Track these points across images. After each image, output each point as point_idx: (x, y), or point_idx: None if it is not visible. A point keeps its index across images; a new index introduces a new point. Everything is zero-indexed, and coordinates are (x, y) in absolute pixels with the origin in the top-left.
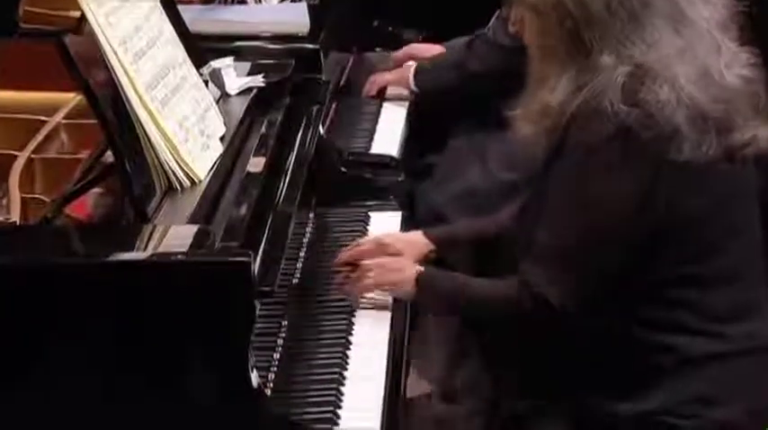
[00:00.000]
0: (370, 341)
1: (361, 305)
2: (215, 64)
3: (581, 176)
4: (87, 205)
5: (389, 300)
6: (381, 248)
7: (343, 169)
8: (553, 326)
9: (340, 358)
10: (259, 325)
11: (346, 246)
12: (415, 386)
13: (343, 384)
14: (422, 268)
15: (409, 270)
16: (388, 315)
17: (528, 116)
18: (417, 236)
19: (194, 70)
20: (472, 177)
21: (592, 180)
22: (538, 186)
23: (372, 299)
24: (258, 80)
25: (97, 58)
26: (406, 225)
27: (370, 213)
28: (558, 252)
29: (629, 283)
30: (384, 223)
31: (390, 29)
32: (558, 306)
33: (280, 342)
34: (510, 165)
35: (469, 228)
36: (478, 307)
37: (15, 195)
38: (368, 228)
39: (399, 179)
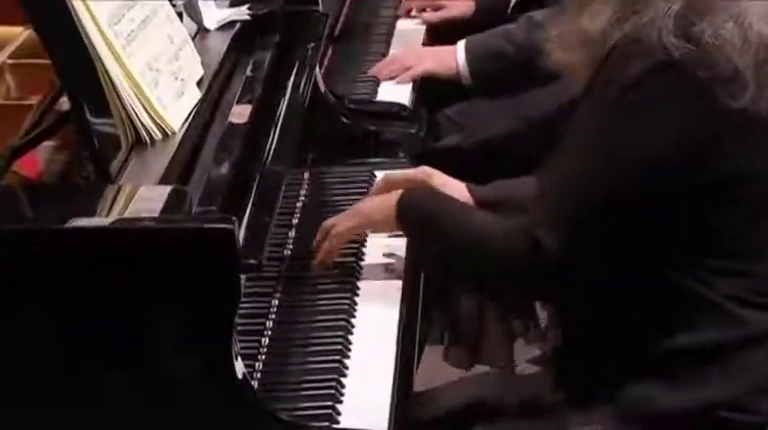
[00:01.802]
0: (376, 322)
1: (363, 274)
2: None
3: (609, 113)
4: (38, 161)
5: (401, 266)
6: (412, 182)
7: (344, 120)
8: (546, 281)
9: (341, 344)
10: (244, 305)
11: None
12: (433, 374)
13: (344, 375)
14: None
15: (385, 199)
16: (397, 288)
17: (564, 41)
18: (460, 185)
19: (166, 0)
20: (506, 128)
21: (621, 118)
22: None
23: (378, 265)
24: (242, 12)
25: None
26: None
27: (376, 172)
28: (565, 195)
29: (661, 248)
30: None
31: None
32: (551, 253)
33: (269, 325)
34: (547, 115)
35: (522, 190)
36: (462, 235)
37: None
38: (373, 188)
39: (411, 131)
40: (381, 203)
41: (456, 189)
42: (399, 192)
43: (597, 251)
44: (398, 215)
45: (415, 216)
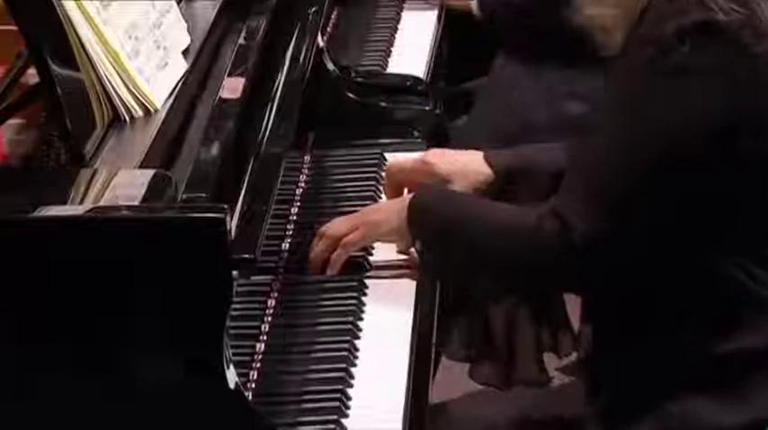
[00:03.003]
0: (387, 325)
1: (372, 271)
2: None
3: (646, 79)
4: (1, 141)
5: (414, 262)
6: (419, 170)
7: (350, 95)
8: (578, 269)
9: (347, 350)
10: (238, 305)
11: (353, 198)
12: (452, 385)
13: (350, 385)
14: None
15: (394, 204)
16: (411, 286)
17: None
18: (473, 158)
19: None
20: (527, 109)
21: (660, 85)
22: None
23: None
24: None
25: None
26: None
27: (386, 154)
28: (599, 172)
29: (709, 233)
30: None
31: None
32: (583, 238)
33: (265, 328)
34: (581, 92)
35: (552, 157)
36: (487, 234)
37: None
38: (383, 174)
39: (427, 109)
40: (390, 211)
41: (470, 164)
42: (407, 198)
43: (636, 236)
44: (411, 224)
45: (431, 223)
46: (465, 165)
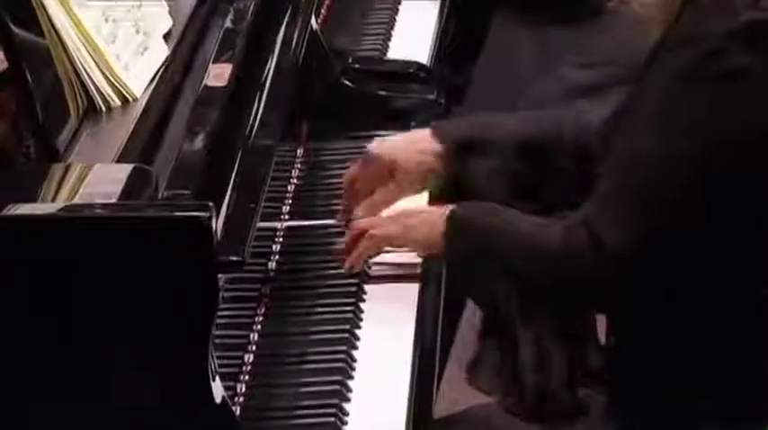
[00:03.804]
0: (387, 333)
1: (371, 274)
2: None
3: (689, 83)
4: None
5: (416, 264)
6: (367, 169)
7: (346, 83)
8: (608, 290)
9: (343, 361)
10: (224, 313)
11: None
12: (457, 396)
13: (347, 399)
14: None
15: (429, 214)
16: (413, 291)
17: None
18: (417, 135)
19: None
20: (530, 78)
21: (704, 93)
22: (634, 92)
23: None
24: None
25: None
26: None
27: None
28: (634, 182)
29: (756, 257)
30: None
31: None
32: (615, 254)
33: (254, 337)
34: (587, 59)
35: (509, 128)
36: (514, 247)
37: None
38: None
39: (430, 98)
40: (424, 220)
41: (414, 143)
42: (445, 209)
43: (674, 251)
44: (446, 237)
45: (466, 238)
46: (408, 144)
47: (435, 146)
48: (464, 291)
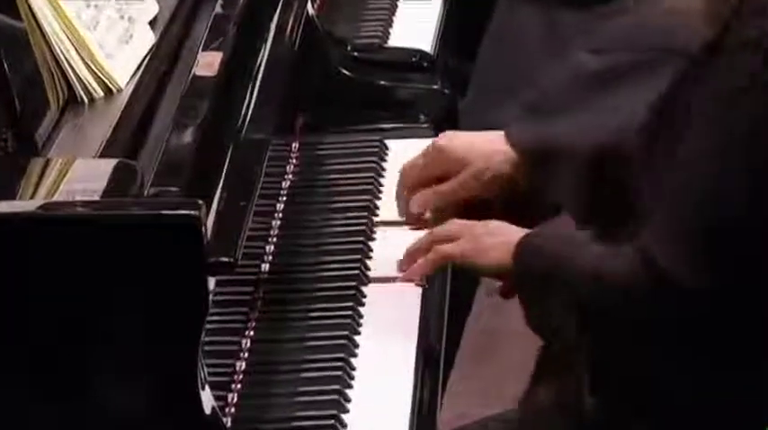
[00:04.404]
0: (388, 340)
1: (371, 276)
2: None
3: (754, 95)
4: None
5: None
6: (434, 162)
7: (345, 72)
8: (672, 328)
9: (341, 369)
10: (215, 317)
11: (350, 193)
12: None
13: (345, 409)
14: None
15: (504, 231)
16: (416, 296)
17: None
18: (492, 137)
19: None
20: (538, 64)
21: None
22: (672, 96)
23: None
24: None
25: None
26: None
27: (387, 141)
28: (696, 207)
29: None
30: (409, 156)
31: None
32: (679, 288)
33: (246, 344)
34: (600, 44)
35: (590, 137)
36: (580, 279)
37: None
38: (383, 164)
39: (434, 88)
40: (504, 242)
41: (489, 143)
42: (520, 231)
43: (744, 289)
44: (516, 264)
45: (534, 268)
46: (483, 144)
47: (509, 149)
48: (527, 320)
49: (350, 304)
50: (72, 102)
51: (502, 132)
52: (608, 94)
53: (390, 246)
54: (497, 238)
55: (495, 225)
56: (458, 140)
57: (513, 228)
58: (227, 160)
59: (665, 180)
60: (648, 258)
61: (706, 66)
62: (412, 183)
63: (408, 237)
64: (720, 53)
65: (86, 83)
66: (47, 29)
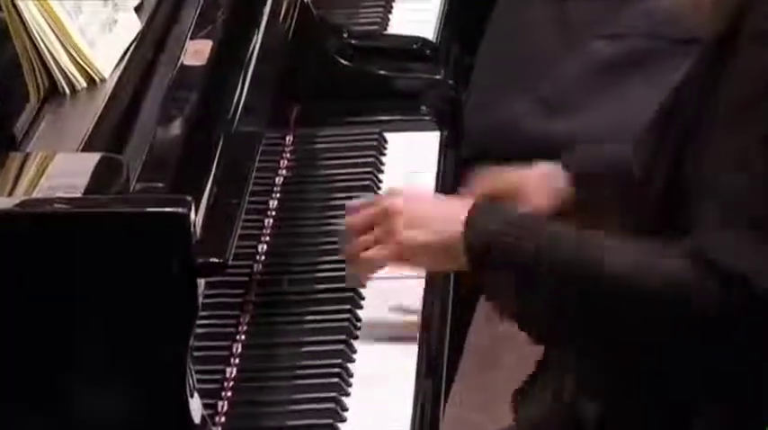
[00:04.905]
0: (387, 343)
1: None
2: None
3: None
4: None
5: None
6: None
7: (342, 61)
8: (755, 328)
9: (337, 376)
10: (204, 321)
11: (347, 189)
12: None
13: (342, 419)
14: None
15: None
16: (417, 297)
17: None
18: (546, 170)
19: None
20: (546, 52)
21: None
22: (692, 85)
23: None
24: None
25: None
26: (451, 156)
27: (386, 134)
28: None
29: None
30: (409, 150)
31: None
32: (759, 296)
33: (237, 349)
34: (616, 29)
35: (616, 155)
36: (611, 294)
37: None
38: (383, 158)
39: (437, 78)
40: (439, 239)
41: (538, 174)
42: (448, 218)
43: None
44: (478, 259)
45: (500, 259)
46: (535, 175)
47: (560, 180)
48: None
49: (347, 307)
50: (53, 93)
51: (550, 166)
52: (622, 84)
53: None
54: (428, 235)
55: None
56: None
57: (434, 210)
58: (218, 154)
59: (704, 180)
60: (706, 260)
61: (720, 58)
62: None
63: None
64: (734, 45)
65: (68, 72)
66: (26, 16)
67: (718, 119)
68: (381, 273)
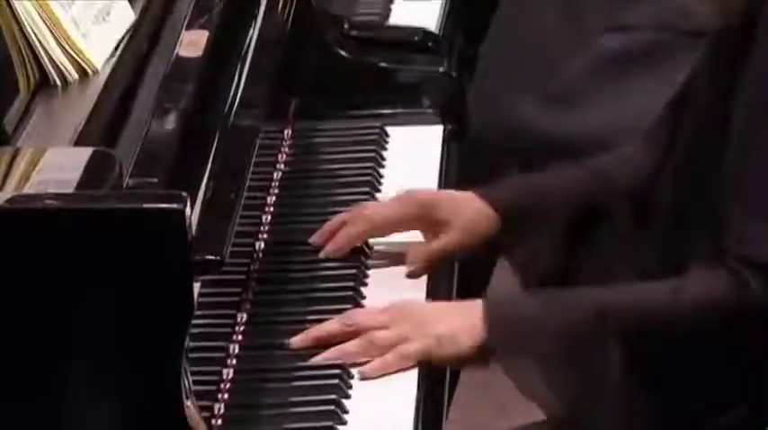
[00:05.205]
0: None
1: (371, 275)
2: None
3: None
4: None
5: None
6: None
7: (342, 52)
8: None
9: (338, 376)
10: (200, 321)
11: (347, 184)
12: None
13: (342, 421)
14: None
15: (457, 314)
16: (420, 295)
17: None
18: (465, 198)
19: None
20: (553, 44)
21: None
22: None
23: None
24: None
25: None
26: (454, 151)
27: (388, 128)
28: None
29: None
30: (411, 145)
31: None
32: None
33: (234, 350)
34: (626, 21)
35: (565, 180)
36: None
37: None
38: (384, 153)
39: (440, 70)
40: (463, 324)
41: (461, 202)
42: (470, 306)
43: None
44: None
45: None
46: (455, 203)
47: (490, 211)
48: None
49: (348, 307)
50: (44, 85)
51: (470, 194)
52: (630, 78)
53: (391, 243)
54: (447, 319)
55: (428, 309)
56: (421, 201)
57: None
58: (214, 149)
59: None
60: (739, 256)
61: (734, 51)
62: (378, 230)
63: (410, 235)
64: (748, 38)
65: (60, 64)
66: (17, 5)
67: (740, 116)
68: (382, 268)
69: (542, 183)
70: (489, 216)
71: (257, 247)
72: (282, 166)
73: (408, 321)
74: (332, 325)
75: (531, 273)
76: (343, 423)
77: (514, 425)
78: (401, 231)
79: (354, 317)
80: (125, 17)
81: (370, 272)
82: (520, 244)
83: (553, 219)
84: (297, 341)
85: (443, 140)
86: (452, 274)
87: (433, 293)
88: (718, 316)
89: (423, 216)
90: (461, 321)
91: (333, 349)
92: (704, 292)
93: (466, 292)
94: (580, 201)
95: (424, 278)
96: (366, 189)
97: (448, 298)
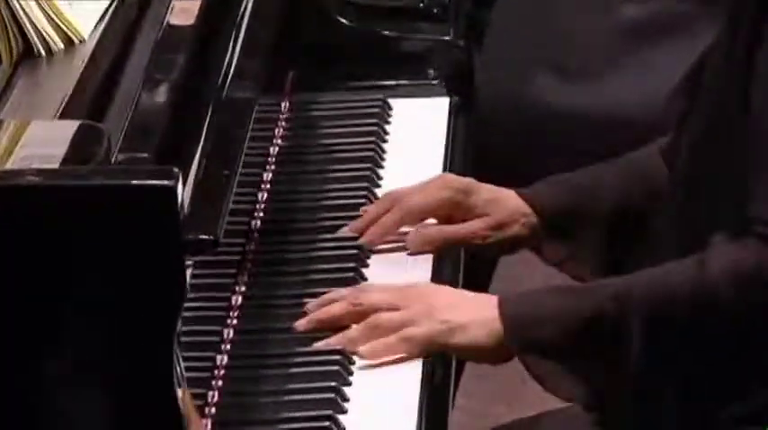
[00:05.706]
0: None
1: (372, 258)
2: None
3: None
4: None
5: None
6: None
7: (342, 20)
8: None
9: (338, 363)
10: (193, 304)
11: (348, 160)
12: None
13: (342, 410)
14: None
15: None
16: (425, 278)
17: None
18: (506, 192)
19: None
20: (569, 15)
21: None
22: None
23: None
24: None
25: None
26: (461, 125)
27: (391, 101)
28: None
29: None
30: (416, 118)
31: None
32: None
33: (229, 335)
34: None
35: (606, 180)
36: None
37: None
38: (387, 127)
39: (446, 39)
40: (475, 319)
41: (502, 195)
42: (485, 300)
43: None
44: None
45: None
46: (493, 198)
47: (528, 210)
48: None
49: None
50: (27, 55)
51: (511, 191)
52: (649, 49)
53: None
54: (465, 310)
55: (445, 294)
56: (453, 189)
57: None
58: (207, 123)
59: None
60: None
61: (754, 22)
62: (413, 217)
63: None
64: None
65: (44, 33)
66: None
67: (762, 85)
68: (385, 247)
69: (583, 184)
70: (526, 215)
71: (253, 226)
72: (279, 141)
73: (421, 303)
74: (338, 306)
75: (573, 274)
76: (344, 411)
77: (523, 414)
78: (432, 217)
79: (364, 295)
80: None
81: (371, 253)
82: (563, 245)
83: (596, 220)
84: (301, 325)
85: (450, 114)
86: (458, 260)
87: (438, 277)
88: (747, 285)
89: (459, 201)
90: (476, 313)
91: (335, 337)
92: (731, 263)
93: (469, 285)
94: (622, 202)
95: (430, 261)
96: (368, 165)
97: (454, 284)
